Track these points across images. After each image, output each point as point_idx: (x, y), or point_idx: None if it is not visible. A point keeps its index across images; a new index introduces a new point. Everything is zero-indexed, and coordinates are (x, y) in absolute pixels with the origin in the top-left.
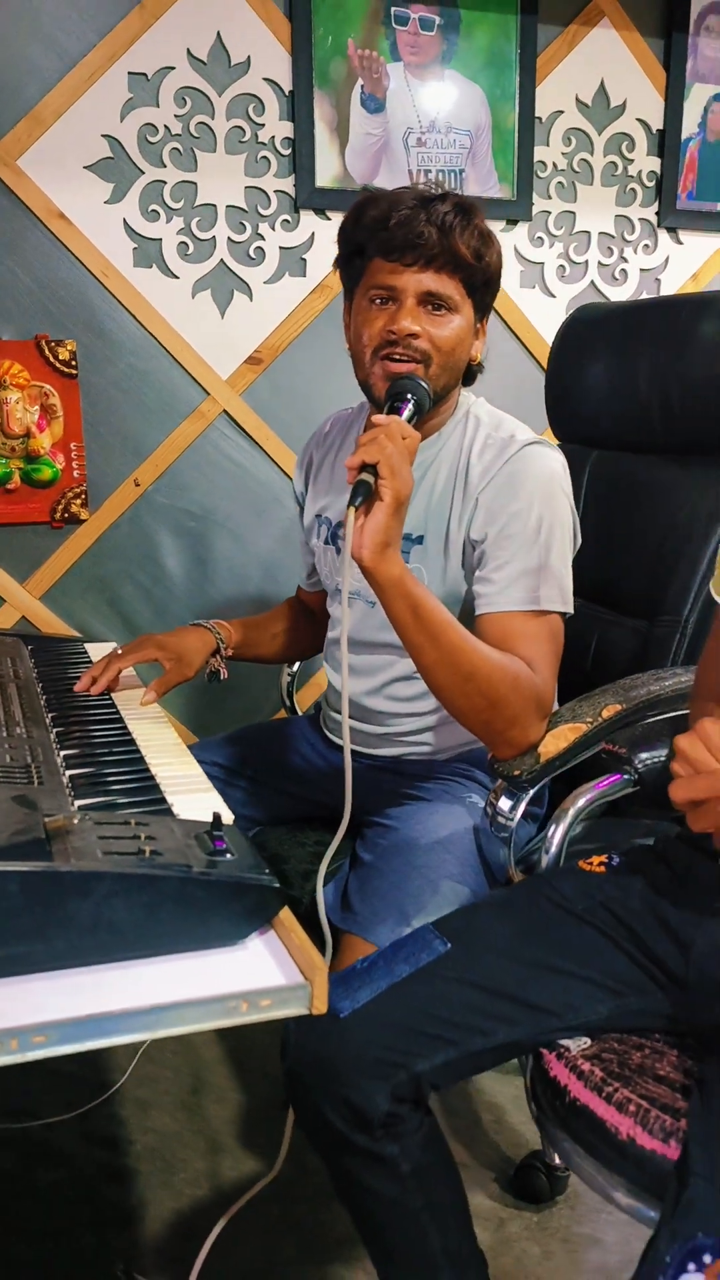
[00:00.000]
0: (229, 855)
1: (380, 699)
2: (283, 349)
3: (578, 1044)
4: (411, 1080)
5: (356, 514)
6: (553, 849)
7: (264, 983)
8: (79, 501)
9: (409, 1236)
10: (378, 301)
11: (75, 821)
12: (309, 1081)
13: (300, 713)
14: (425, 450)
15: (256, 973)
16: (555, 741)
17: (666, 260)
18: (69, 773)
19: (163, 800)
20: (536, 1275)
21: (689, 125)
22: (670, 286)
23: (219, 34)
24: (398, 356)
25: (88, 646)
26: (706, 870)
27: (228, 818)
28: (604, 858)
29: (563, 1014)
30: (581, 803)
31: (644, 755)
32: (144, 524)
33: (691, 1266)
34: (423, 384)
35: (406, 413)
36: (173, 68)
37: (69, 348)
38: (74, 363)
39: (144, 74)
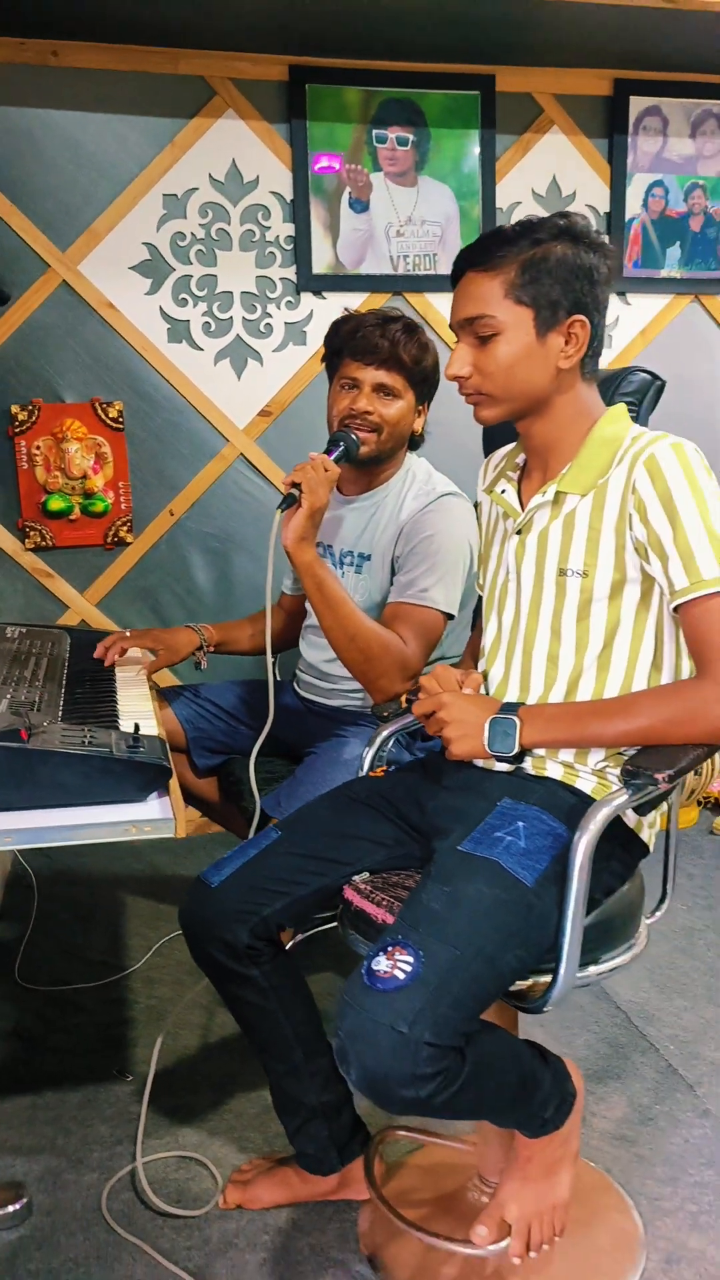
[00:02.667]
0: (141, 748)
1: (333, 666)
2: (288, 403)
3: (362, 878)
4: (262, 922)
5: (286, 514)
6: (364, 767)
7: (150, 815)
8: (126, 528)
9: (270, 1029)
10: (345, 387)
11: (47, 724)
12: (197, 931)
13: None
14: (375, 495)
15: (147, 814)
16: (406, 696)
17: (618, 319)
18: (62, 707)
19: (115, 722)
20: None
21: (632, 207)
22: (622, 340)
23: (233, 160)
24: (358, 425)
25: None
26: (438, 761)
27: (149, 731)
28: (384, 768)
29: (353, 863)
30: (385, 733)
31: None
32: (178, 545)
33: (382, 951)
34: (353, 437)
35: (335, 455)
36: (197, 188)
37: (117, 407)
38: (121, 419)
39: (175, 194)
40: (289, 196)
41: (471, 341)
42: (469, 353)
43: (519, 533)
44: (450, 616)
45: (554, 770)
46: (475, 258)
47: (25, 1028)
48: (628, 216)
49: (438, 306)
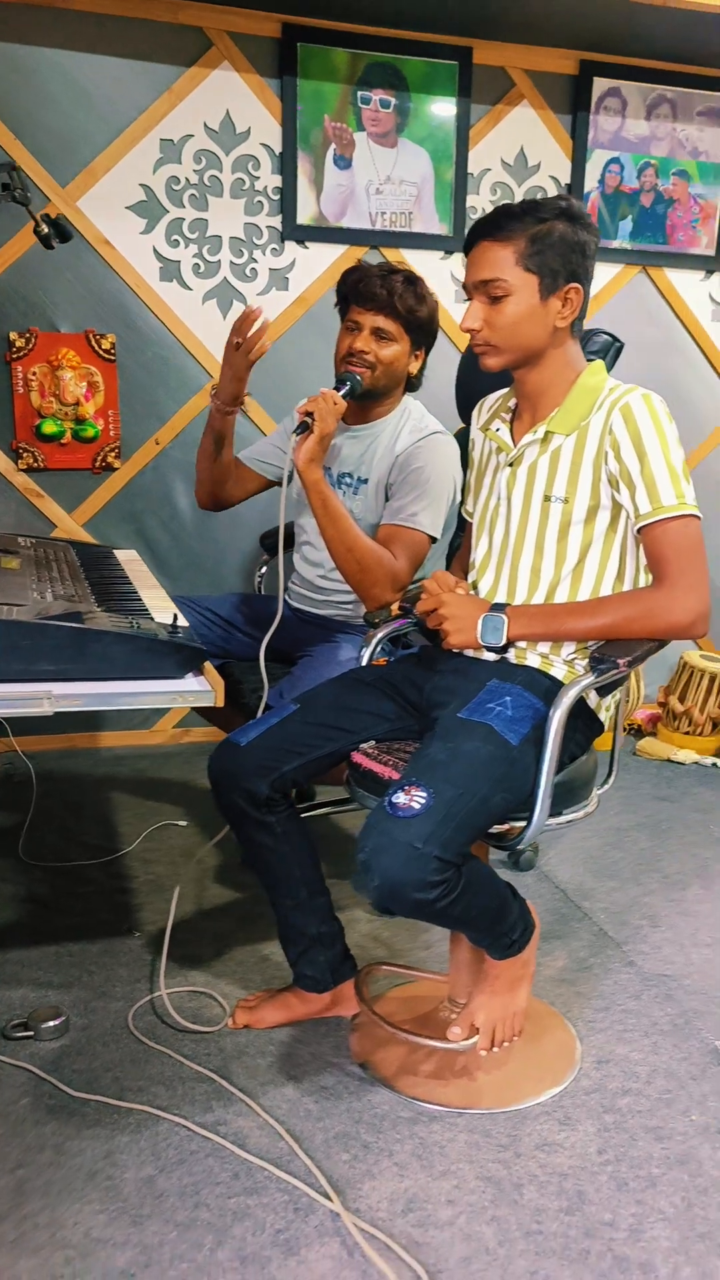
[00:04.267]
0: (179, 634)
1: (326, 580)
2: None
3: (368, 746)
4: (280, 777)
5: (300, 439)
6: (364, 658)
7: (194, 688)
8: (114, 454)
9: (281, 869)
10: (349, 330)
11: (97, 610)
12: (224, 783)
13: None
14: (374, 426)
15: (190, 687)
16: (397, 604)
17: None
18: (95, 601)
19: (148, 614)
20: (391, 945)
21: (590, 181)
22: None
23: (228, 110)
24: (355, 363)
25: (116, 553)
26: (434, 651)
27: (183, 622)
28: (384, 659)
29: (359, 733)
30: (382, 633)
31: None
32: (162, 473)
33: (401, 789)
34: (357, 377)
35: (343, 391)
36: (192, 135)
37: (110, 339)
38: (113, 351)
39: (171, 139)
40: (278, 149)
41: (484, 300)
42: (481, 310)
43: (511, 465)
44: (434, 539)
45: (532, 660)
46: (490, 229)
47: (38, 895)
48: (586, 190)
49: (411, 261)
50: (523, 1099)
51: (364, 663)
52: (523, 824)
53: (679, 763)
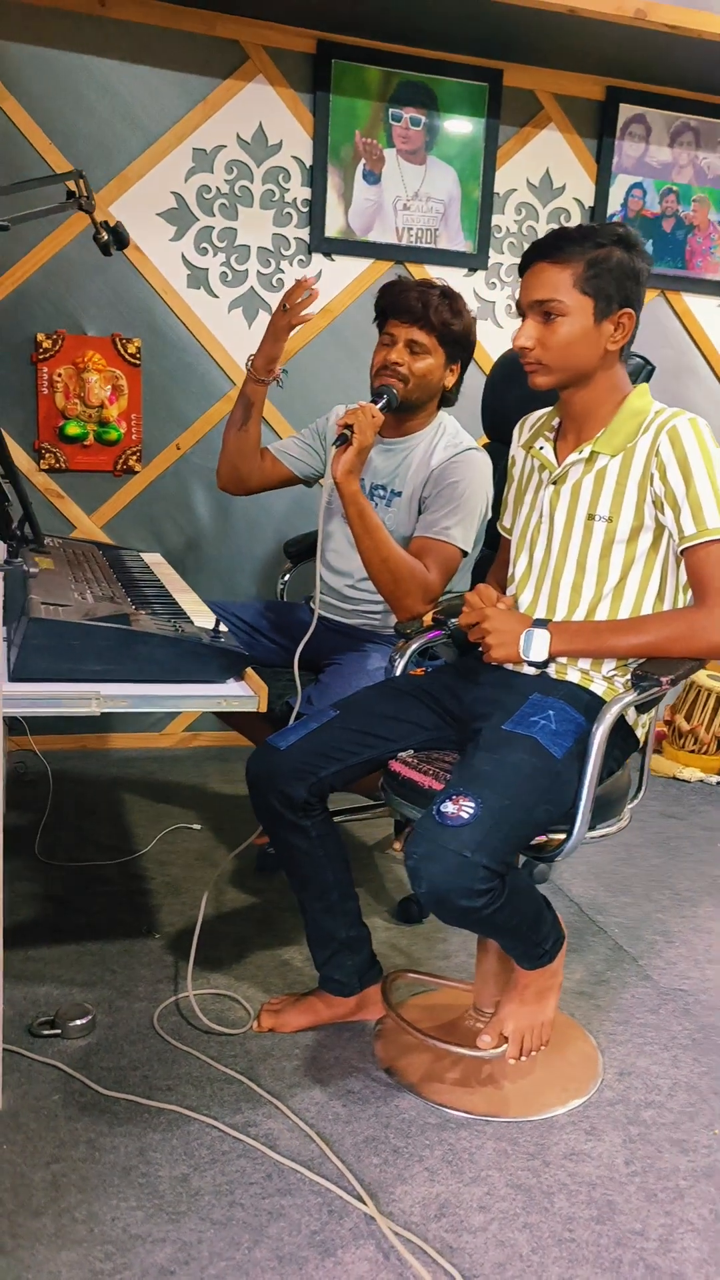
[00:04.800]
0: (221, 639)
1: (352, 590)
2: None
3: (407, 754)
4: (318, 782)
5: (338, 451)
6: (398, 670)
7: (236, 693)
8: (135, 458)
9: (314, 872)
10: (385, 342)
11: (142, 613)
12: (262, 785)
13: (283, 600)
14: (409, 440)
15: (233, 691)
16: (429, 616)
17: None
18: (135, 604)
19: (187, 618)
20: (410, 954)
21: (613, 204)
22: None
23: (260, 123)
24: (388, 375)
25: (143, 556)
26: (473, 663)
27: (223, 627)
28: (422, 670)
29: (397, 741)
30: (414, 646)
31: (453, 621)
32: (182, 478)
33: (449, 798)
34: (393, 390)
35: (380, 404)
36: (225, 145)
37: (136, 344)
38: (138, 355)
39: (204, 149)
40: (309, 162)
41: (538, 320)
42: (535, 329)
43: (555, 483)
44: (465, 554)
45: (573, 675)
46: (548, 251)
47: (56, 894)
48: (609, 213)
49: (435, 277)
50: (548, 1109)
51: (396, 673)
52: (561, 836)
53: (684, 780)
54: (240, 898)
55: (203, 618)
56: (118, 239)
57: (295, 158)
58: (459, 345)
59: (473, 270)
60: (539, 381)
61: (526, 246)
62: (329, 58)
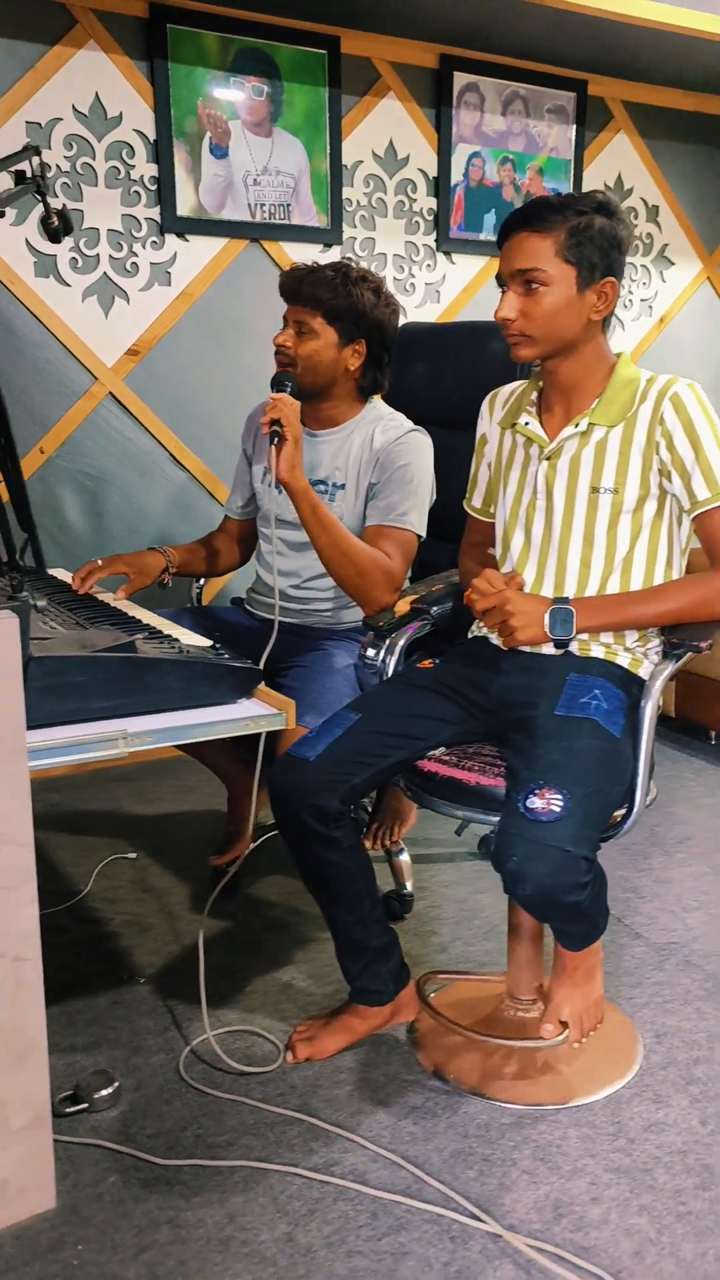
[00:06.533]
0: (226, 656)
1: (297, 590)
2: (155, 343)
3: (438, 752)
4: (350, 790)
5: (274, 450)
6: (390, 666)
7: (260, 713)
8: None
9: (346, 884)
10: (283, 325)
11: (140, 638)
12: (292, 799)
13: (202, 604)
14: (343, 429)
15: (252, 711)
16: (402, 605)
17: (444, 276)
18: (113, 626)
19: (175, 640)
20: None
21: (455, 174)
22: (448, 296)
23: (97, 93)
24: (279, 361)
25: (52, 573)
26: (494, 650)
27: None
28: (430, 661)
29: (426, 738)
30: (403, 641)
31: (436, 610)
32: (50, 483)
33: (533, 793)
34: (292, 375)
35: (289, 390)
36: (61, 118)
37: None
38: None
39: (38, 123)
40: (152, 137)
41: (520, 290)
42: (516, 300)
43: (548, 458)
44: (421, 538)
45: (597, 650)
46: (529, 220)
47: None
48: (452, 183)
49: (294, 256)
50: (609, 1084)
51: (388, 672)
52: (621, 813)
53: None
54: (212, 924)
55: (182, 635)
56: (66, 225)
57: (137, 131)
58: (350, 322)
59: (328, 245)
60: (522, 354)
61: (377, 220)
62: (163, 22)
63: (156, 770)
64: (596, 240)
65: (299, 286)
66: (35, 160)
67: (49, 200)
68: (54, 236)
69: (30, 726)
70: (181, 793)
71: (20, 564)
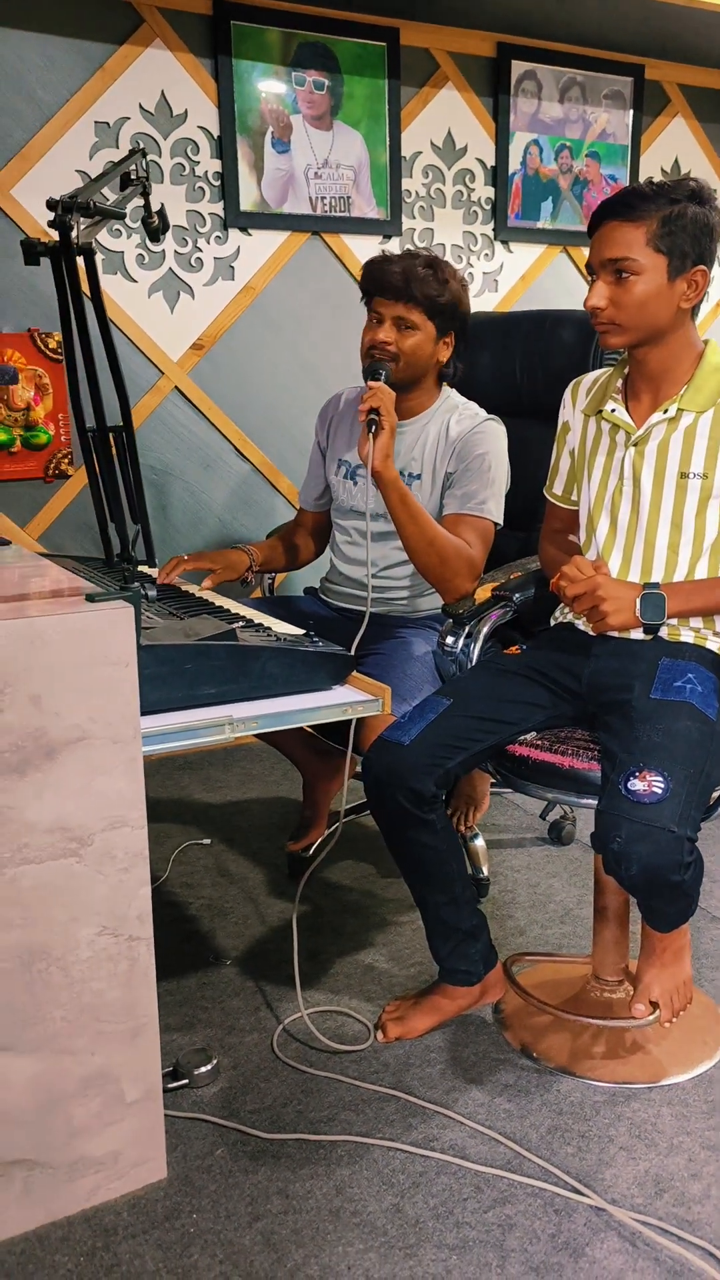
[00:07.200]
0: (320, 643)
1: (376, 579)
2: (219, 337)
3: (529, 736)
4: (445, 773)
5: (369, 438)
6: (475, 653)
7: (356, 699)
8: (66, 460)
9: (439, 866)
10: (373, 320)
11: (239, 628)
12: (387, 782)
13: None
14: (419, 420)
15: (348, 698)
16: (482, 592)
17: (502, 266)
18: (185, 615)
19: (269, 629)
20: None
21: (513, 163)
22: (505, 285)
23: (163, 91)
24: (379, 355)
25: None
26: (583, 636)
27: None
28: (516, 648)
29: (518, 723)
30: (486, 628)
31: (518, 597)
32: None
33: (634, 775)
34: (388, 367)
35: (383, 379)
36: (128, 117)
37: (56, 338)
38: (59, 350)
39: (106, 122)
40: (216, 133)
41: (609, 279)
42: (606, 289)
43: (635, 445)
44: (499, 526)
45: (687, 635)
46: (621, 209)
47: None
48: (510, 172)
49: (353, 248)
50: (700, 1063)
51: (473, 659)
52: (718, 793)
53: None
54: (290, 909)
55: (274, 624)
56: (164, 224)
57: (202, 128)
58: (448, 316)
59: (388, 237)
60: (611, 342)
61: (436, 210)
62: (227, 19)
63: (221, 759)
64: (689, 229)
65: (405, 284)
66: (142, 162)
67: (150, 200)
68: (154, 235)
69: (142, 713)
70: (246, 780)
71: (131, 555)
